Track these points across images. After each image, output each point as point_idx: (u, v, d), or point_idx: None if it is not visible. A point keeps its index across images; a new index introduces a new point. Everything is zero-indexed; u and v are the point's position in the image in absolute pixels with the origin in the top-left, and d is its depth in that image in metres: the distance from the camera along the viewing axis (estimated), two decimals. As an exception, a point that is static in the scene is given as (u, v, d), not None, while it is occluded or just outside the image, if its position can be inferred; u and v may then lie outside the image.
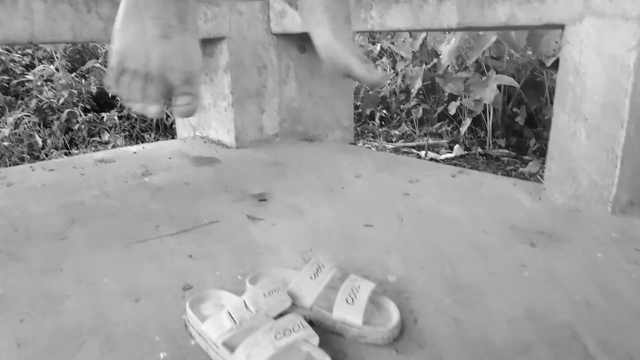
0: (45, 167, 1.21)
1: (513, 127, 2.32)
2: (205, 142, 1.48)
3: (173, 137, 2.28)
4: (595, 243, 0.74)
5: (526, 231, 0.79)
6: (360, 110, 2.60)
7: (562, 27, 0.84)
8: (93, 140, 2.17)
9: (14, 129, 2.06)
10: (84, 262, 0.72)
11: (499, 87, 2.09)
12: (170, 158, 1.30)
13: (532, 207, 0.89)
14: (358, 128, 2.48)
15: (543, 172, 1.79)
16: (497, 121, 2.32)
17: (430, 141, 2.18)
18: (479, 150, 2.10)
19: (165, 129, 2.37)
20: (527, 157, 2.01)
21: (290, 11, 1.33)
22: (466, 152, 2.08)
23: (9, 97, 2.37)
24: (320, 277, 0.56)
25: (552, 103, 2.21)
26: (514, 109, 2.25)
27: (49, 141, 2.14)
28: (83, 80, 2.48)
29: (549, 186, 0.91)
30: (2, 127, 2.05)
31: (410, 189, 1.01)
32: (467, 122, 2.18)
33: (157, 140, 2.28)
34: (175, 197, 1.00)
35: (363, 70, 0.56)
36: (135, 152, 1.36)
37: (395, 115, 2.66)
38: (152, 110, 0.48)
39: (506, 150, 2.07)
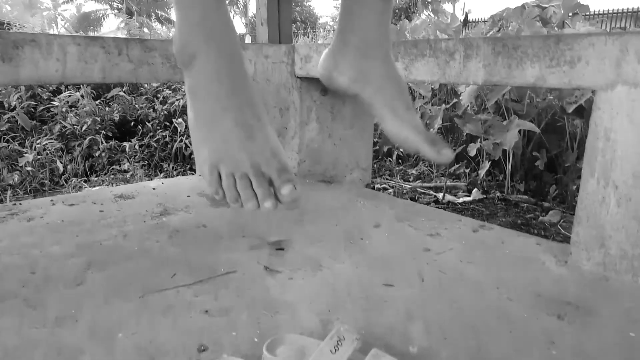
0: (65, 201, 1.22)
1: (532, 170, 2.29)
2: (223, 179, 1.48)
3: (191, 167, 2.30)
4: (626, 319, 0.71)
5: (553, 300, 0.76)
6: (377, 147, 2.60)
7: (592, 91, 0.83)
8: (112, 169, 2.19)
9: (38, 154, 2.10)
10: (100, 313, 0.71)
11: (519, 130, 2.08)
12: (188, 196, 1.30)
13: (558, 272, 0.86)
14: (375, 165, 2.48)
15: (564, 222, 1.76)
16: (516, 164, 2.30)
17: (448, 183, 2.16)
18: (498, 194, 2.08)
19: (183, 159, 2.39)
20: (546, 204, 1.98)
21: (316, 56, 1.35)
22: (484, 196, 2.05)
23: (35, 121, 2.43)
24: (341, 351, 0.55)
25: (572, 149, 2.18)
26: (534, 153, 2.23)
27: (69, 167, 2.17)
28: (107, 108, 2.53)
29: (576, 251, 0.89)
30: (26, 152, 2.09)
31: (431, 244, 0.99)
32: (486, 165, 2.16)
33: (175, 170, 2.30)
34: (192, 241, 0.99)
35: (434, 153, 0.57)
36: (154, 188, 1.37)
37: (412, 153, 2.65)
38: (268, 205, 0.49)
39: (525, 196, 2.04)
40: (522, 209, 1.91)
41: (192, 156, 2.34)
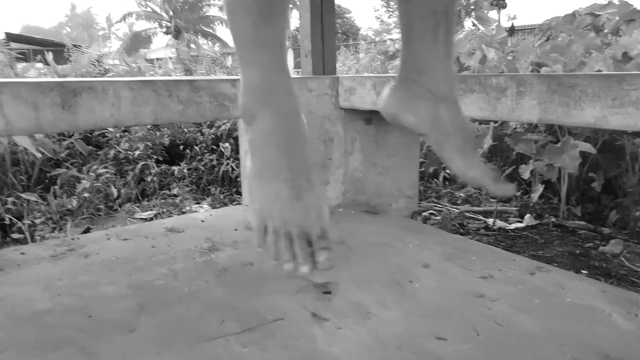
0: (119, 235, 1.27)
1: (589, 193, 2.18)
2: (269, 210, 1.49)
3: (237, 191, 2.34)
4: None
5: (621, 363, 0.71)
6: (423, 168, 2.55)
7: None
8: (163, 193, 2.26)
9: (94, 180, 2.20)
10: (151, 365, 0.72)
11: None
12: (236, 230, 1.31)
13: (628, 329, 0.80)
14: (421, 187, 2.43)
15: (627, 253, 1.65)
16: (571, 186, 2.19)
17: (499, 207, 2.08)
18: (552, 219, 1.98)
19: (230, 182, 2.43)
20: (606, 230, 1.86)
21: (360, 89, 1.34)
22: (538, 222, 1.96)
23: (91, 147, 2.55)
24: None
25: (633, 171, 2.05)
26: (590, 174, 2.12)
27: (123, 191, 2.26)
28: (157, 132, 2.63)
29: (645, 304, 0.82)
30: (83, 178, 2.19)
31: (484, 289, 0.95)
32: (539, 188, 2.07)
33: (222, 193, 2.34)
34: (240, 282, 1.00)
35: (497, 190, 0.61)
36: (202, 221, 1.39)
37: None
38: (304, 270, 0.53)
39: (582, 222, 1.93)
40: (580, 237, 1.81)
41: (239, 179, 2.38)
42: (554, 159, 1.97)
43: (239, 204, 2.02)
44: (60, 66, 3.77)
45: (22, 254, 1.13)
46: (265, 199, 0.56)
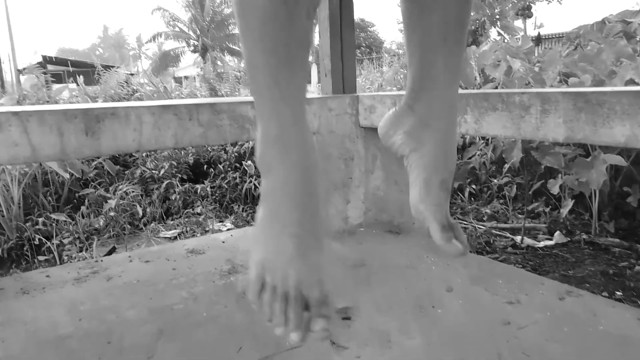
0: (142, 257, 1.28)
1: (623, 207, 2.09)
2: (290, 230, 1.48)
3: (254, 212, 2.35)
4: None
5: (661, 400, 0.66)
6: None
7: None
8: (187, 212, 2.29)
9: (121, 199, 2.25)
10: (168, 394, 0.71)
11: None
12: (256, 251, 1.31)
13: (666, 361, 0.75)
14: (445, 203, 2.38)
15: (666, 272, 1.56)
16: (603, 200, 2.11)
17: (527, 224, 2.01)
18: (584, 236, 1.90)
19: (252, 200, 2.45)
20: (643, 248, 1.77)
21: (380, 107, 1.33)
22: (568, 239, 1.89)
23: (119, 166, 2.61)
24: None
25: (671, 184, 1.96)
26: (624, 188, 2.03)
27: (148, 210, 2.29)
28: (182, 151, 2.67)
29: (686, 334, 0.77)
30: (110, 198, 2.24)
31: (511, 315, 0.91)
32: (569, 204, 2.00)
33: (245, 211, 2.35)
34: (259, 306, 0.98)
35: (441, 240, 0.54)
36: (223, 242, 1.40)
37: (485, 189, 2.52)
38: (294, 338, 0.49)
39: (616, 239, 1.85)
40: (614, 255, 1.73)
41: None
42: (581, 173, 1.90)
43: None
44: (90, 87, 3.90)
45: (47, 276, 1.15)
46: (269, 252, 0.53)
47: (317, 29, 1.52)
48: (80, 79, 3.50)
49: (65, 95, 4.04)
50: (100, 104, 1.11)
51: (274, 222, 0.53)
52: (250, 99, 1.31)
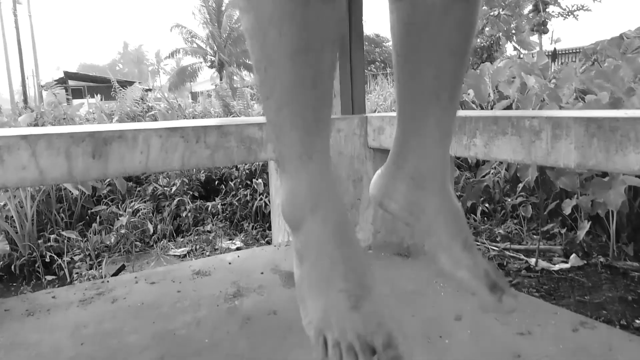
0: (147, 278, 1.27)
1: (643, 230, 2.03)
2: (298, 251, 1.47)
3: (269, 226, 2.34)
4: None
5: None
6: (460, 202, 2.46)
7: None
8: (197, 230, 2.29)
9: (132, 216, 2.26)
10: None
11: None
12: (262, 273, 1.29)
13: (686, 403, 0.71)
14: (458, 223, 2.34)
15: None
16: (621, 221, 2.05)
17: (541, 245, 1.97)
18: (601, 259, 1.84)
19: (262, 217, 2.44)
20: (664, 273, 1.71)
21: (388, 128, 1.31)
22: (585, 262, 1.84)
23: (131, 183, 2.63)
24: None
25: (693, 206, 1.90)
26: (644, 210, 1.98)
27: (159, 227, 2.30)
28: (194, 169, 2.69)
29: None
30: (122, 215, 2.26)
31: (522, 347, 0.88)
32: (585, 226, 1.95)
33: (255, 229, 2.35)
34: (262, 333, 0.97)
35: (492, 302, 0.53)
36: (230, 263, 1.39)
37: (499, 208, 2.48)
38: None
39: (636, 264, 1.79)
40: (632, 280, 1.67)
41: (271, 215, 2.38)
42: (599, 193, 1.85)
43: (269, 242, 2.01)
44: (107, 103, 3.97)
45: (54, 297, 1.15)
46: (321, 311, 0.52)
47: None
48: (97, 97, 3.57)
49: (82, 111, 4.12)
50: (108, 127, 1.12)
51: (319, 281, 0.52)
52: (257, 120, 1.31)
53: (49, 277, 1.77)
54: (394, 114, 1.34)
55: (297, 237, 0.56)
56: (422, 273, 1.27)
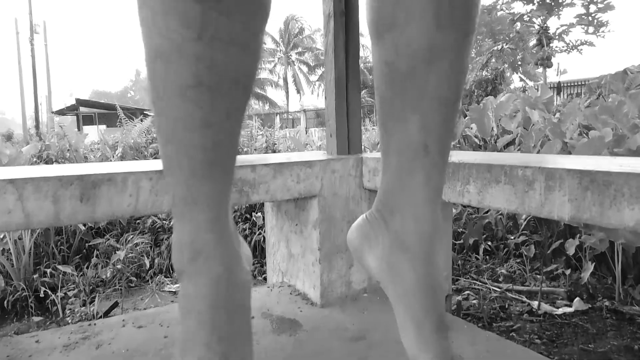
0: (135, 321, 1.24)
1: (650, 271, 1.97)
2: (291, 293, 1.44)
3: (265, 261, 2.31)
4: None
5: None
6: (462, 240, 2.42)
7: None
8: (193, 265, 2.26)
9: (130, 250, 2.24)
10: None
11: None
12: (252, 317, 1.26)
13: None
14: (460, 261, 2.30)
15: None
16: (627, 260, 1.99)
17: (544, 287, 1.91)
18: (606, 303, 1.79)
19: (261, 252, 2.41)
20: (672, 319, 1.65)
21: (383, 170, 1.30)
22: (589, 306, 1.78)
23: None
24: None
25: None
26: (651, 250, 1.92)
27: (156, 261, 2.28)
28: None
29: None
30: (119, 248, 2.24)
31: (516, 408, 0.83)
32: (589, 267, 1.89)
33: (253, 264, 2.31)
34: (247, 386, 0.93)
35: None
36: (221, 305, 1.36)
37: (501, 246, 2.43)
38: None
39: (643, 308, 1.73)
40: (639, 327, 1.61)
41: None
42: (610, 232, 1.81)
43: (266, 278, 1.98)
44: (113, 133, 4.02)
45: (37, 341, 1.13)
46: None
47: (323, 90, 1.52)
48: (103, 127, 3.60)
49: (88, 141, 4.16)
50: (97, 168, 1.11)
51: (183, 342, 0.48)
52: (249, 161, 1.30)
53: (36, 319, 1.74)
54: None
55: (179, 289, 0.52)
56: (417, 320, 1.23)
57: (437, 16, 0.44)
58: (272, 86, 35.45)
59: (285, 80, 34.84)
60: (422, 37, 0.45)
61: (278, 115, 26.46)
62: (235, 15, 0.42)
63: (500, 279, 2.09)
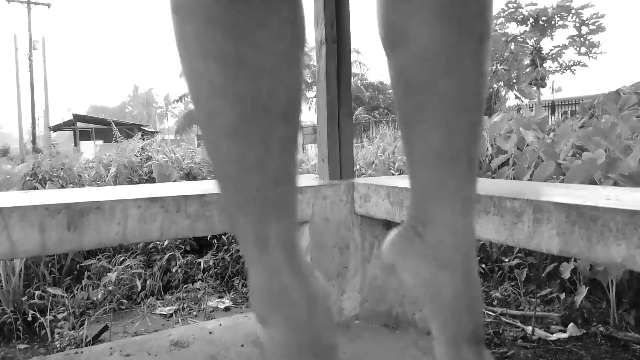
0: (122, 350, 1.22)
1: (644, 295, 1.96)
2: (282, 319, 1.42)
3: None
4: None
5: None
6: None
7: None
8: (186, 287, 2.24)
9: (121, 272, 2.22)
10: None
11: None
12: (242, 345, 1.24)
13: None
14: (454, 284, 2.28)
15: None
16: (622, 283, 1.98)
17: (538, 312, 1.90)
18: (601, 329, 1.77)
19: (254, 274, 2.39)
20: (667, 346, 1.64)
21: (374, 197, 1.30)
22: (584, 332, 1.76)
23: (123, 235, 2.60)
24: None
25: (694, 273, 1.84)
26: (644, 275, 1.92)
27: (148, 282, 2.26)
28: (187, 221, 2.67)
29: None
30: (112, 269, 2.22)
31: None
32: (583, 291, 1.89)
33: (245, 286, 2.29)
34: (233, 420, 0.91)
35: None
36: (211, 332, 1.34)
37: (496, 268, 2.42)
38: None
39: (637, 335, 1.71)
40: (634, 354, 1.59)
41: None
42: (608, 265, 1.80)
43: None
44: (108, 152, 4.01)
45: (21, 372, 1.11)
46: None
47: (315, 114, 1.53)
48: (99, 143, 3.60)
49: (83, 159, 4.16)
50: (85, 195, 1.11)
51: None
52: (242, 189, 1.29)
53: (22, 346, 1.71)
54: (380, 182, 1.33)
55: (263, 334, 0.50)
56: (408, 350, 1.22)
57: (450, 23, 0.43)
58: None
59: (282, 96, 35.00)
60: (438, 46, 0.44)
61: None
62: (269, 49, 0.42)
63: (494, 303, 2.08)
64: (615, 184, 2.04)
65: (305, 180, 1.47)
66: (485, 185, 1.25)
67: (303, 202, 1.30)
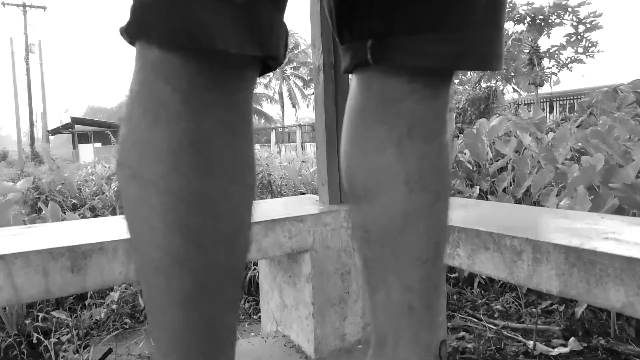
0: (128, 382, 1.23)
1: (644, 305, 1.97)
2: (285, 344, 1.43)
3: (257, 304, 2.29)
4: None
5: None
6: (456, 273, 2.42)
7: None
8: (188, 304, 2.25)
9: (124, 289, 2.23)
10: None
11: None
12: (246, 375, 1.26)
13: None
14: (455, 295, 2.29)
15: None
16: (622, 293, 1.99)
17: (540, 325, 1.91)
18: (601, 342, 1.78)
19: (256, 288, 2.40)
20: (668, 359, 1.65)
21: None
22: (585, 346, 1.78)
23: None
24: None
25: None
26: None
27: (151, 299, 2.26)
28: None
29: None
30: (111, 290, 2.23)
31: None
32: (583, 303, 1.90)
33: (248, 302, 2.30)
34: None
35: None
36: None
37: (497, 281, 2.43)
38: None
39: (638, 348, 1.72)
40: (635, 369, 1.61)
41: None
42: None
43: (259, 319, 1.97)
44: (107, 165, 4.01)
45: (28, 410, 1.12)
46: None
47: (315, 140, 1.53)
48: (98, 145, 3.60)
49: (82, 169, 4.16)
50: (87, 233, 1.11)
51: None
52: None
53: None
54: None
55: None
56: (411, 377, 1.23)
57: (407, 182, 0.45)
58: (267, 101, 35.61)
59: (280, 94, 35.00)
60: (395, 204, 0.47)
61: (274, 131, 26.54)
62: (228, 218, 0.42)
63: (495, 315, 2.09)
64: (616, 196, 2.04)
65: (305, 205, 1.48)
66: (485, 211, 1.25)
67: (304, 231, 1.31)
